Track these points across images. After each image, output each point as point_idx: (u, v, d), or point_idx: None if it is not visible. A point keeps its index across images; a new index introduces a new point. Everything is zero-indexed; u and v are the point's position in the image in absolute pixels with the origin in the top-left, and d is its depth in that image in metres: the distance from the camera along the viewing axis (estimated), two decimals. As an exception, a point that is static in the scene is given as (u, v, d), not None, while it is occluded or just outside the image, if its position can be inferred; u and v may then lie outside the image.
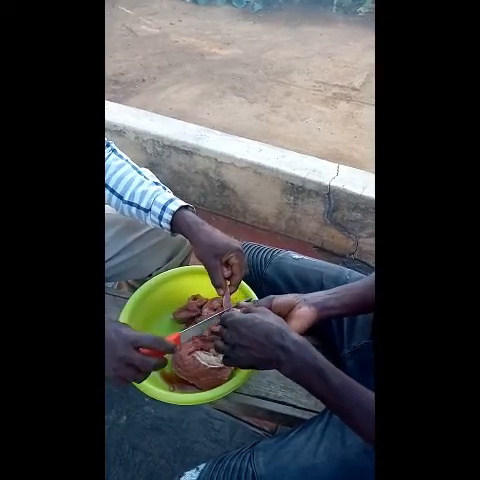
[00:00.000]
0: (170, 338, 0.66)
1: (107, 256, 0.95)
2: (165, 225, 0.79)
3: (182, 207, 0.79)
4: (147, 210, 0.79)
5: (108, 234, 0.93)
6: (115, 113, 1.91)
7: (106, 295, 0.98)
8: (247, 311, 0.66)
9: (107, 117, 1.87)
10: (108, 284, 1.19)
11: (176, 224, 0.78)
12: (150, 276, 1.01)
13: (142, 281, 0.87)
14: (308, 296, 0.71)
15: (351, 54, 3.44)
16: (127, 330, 0.62)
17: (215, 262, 0.75)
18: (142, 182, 0.81)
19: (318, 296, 0.71)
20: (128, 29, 3.75)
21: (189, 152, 1.77)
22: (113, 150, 0.86)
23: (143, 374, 0.61)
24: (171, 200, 0.78)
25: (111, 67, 3.05)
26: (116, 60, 3.18)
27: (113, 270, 0.98)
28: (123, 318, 0.78)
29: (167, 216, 0.77)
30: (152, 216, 0.79)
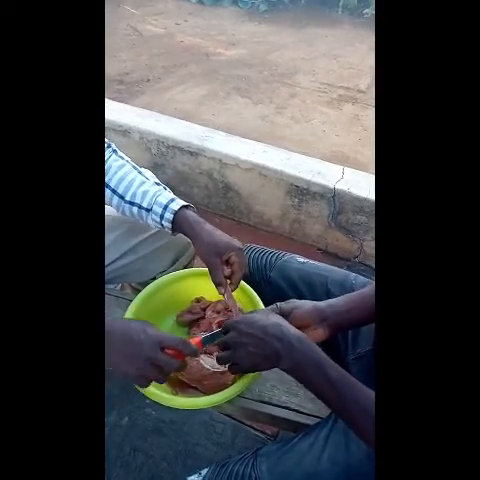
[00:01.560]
0: (193, 341, 0.67)
1: (111, 258, 0.94)
2: (166, 224, 0.79)
3: (183, 206, 0.80)
4: (148, 210, 0.80)
5: (112, 236, 0.92)
6: (120, 113, 1.91)
7: (109, 296, 0.97)
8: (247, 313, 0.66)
9: (112, 117, 1.87)
10: (111, 285, 1.18)
11: (177, 223, 0.79)
12: (154, 279, 1.00)
13: (146, 284, 0.86)
14: (329, 313, 0.69)
15: (357, 56, 3.43)
16: (154, 330, 0.63)
17: (216, 260, 0.76)
18: (143, 182, 0.82)
19: (337, 316, 0.70)
20: (133, 29, 3.76)
21: (194, 153, 1.77)
22: (114, 151, 0.87)
23: (165, 375, 0.62)
24: (172, 200, 0.79)
25: (116, 67, 3.05)
26: (121, 60, 3.18)
27: (117, 272, 0.97)
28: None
29: (168, 215, 0.78)
30: (153, 216, 0.80)
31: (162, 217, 0.79)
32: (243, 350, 0.60)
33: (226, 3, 4.39)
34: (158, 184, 0.84)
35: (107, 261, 0.93)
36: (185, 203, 0.80)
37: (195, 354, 0.64)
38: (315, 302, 0.71)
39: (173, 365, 0.61)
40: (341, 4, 4.24)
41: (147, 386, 0.63)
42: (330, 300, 0.72)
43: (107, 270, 0.94)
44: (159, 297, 0.86)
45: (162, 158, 1.86)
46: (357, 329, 0.82)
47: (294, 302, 0.71)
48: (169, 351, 0.62)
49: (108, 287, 1.05)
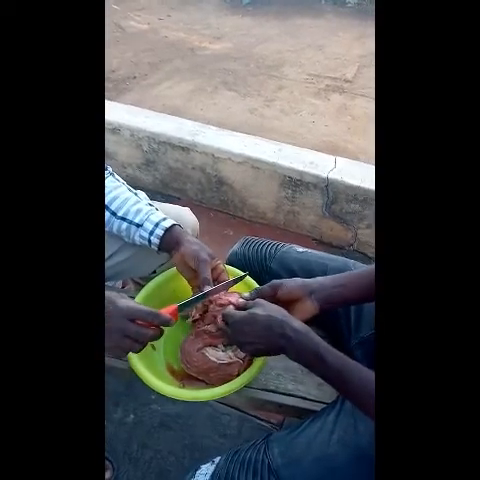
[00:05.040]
0: (167, 310, 0.66)
1: (107, 253, 0.94)
2: (154, 240, 0.83)
3: (174, 225, 0.84)
4: (139, 225, 0.84)
5: (107, 232, 0.92)
6: (109, 111, 1.90)
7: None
8: (243, 308, 0.68)
9: (101, 115, 1.85)
10: (111, 283, 1.18)
11: (166, 239, 0.82)
12: (154, 272, 1.00)
13: (148, 278, 0.87)
14: (315, 287, 0.72)
15: (342, 45, 3.44)
16: (123, 302, 0.62)
17: (207, 257, 0.78)
18: (137, 202, 0.87)
19: (324, 290, 0.72)
20: (116, 25, 3.71)
21: (186, 148, 1.76)
22: (111, 173, 0.91)
23: (140, 344, 0.62)
24: (164, 218, 0.84)
25: (101, 64, 3.02)
26: (106, 57, 3.14)
27: (116, 268, 0.97)
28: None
29: (159, 231, 0.82)
30: (142, 232, 0.84)
31: (152, 233, 0.82)
32: (250, 347, 0.65)
33: (209, -4, 4.36)
34: (151, 205, 0.88)
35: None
36: (176, 222, 0.84)
37: (167, 324, 0.63)
38: (306, 279, 0.73)
39: (145, 335, 0.61)
40: (324, -6, 4.24)
41: (124, 356, 0.63)
42: (321, 277, 0.75)
43: (105, 266, 0.94)
44: (162, 293, 0.86)
45: (154, 155, 1.85)
46: (359, 313, 0.83)
47: (286, 280, 0.73)
48: (141, 322, 0.61)
49: (109, 285, 1.05)
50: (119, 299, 0.62)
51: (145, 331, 0.61)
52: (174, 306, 0.67)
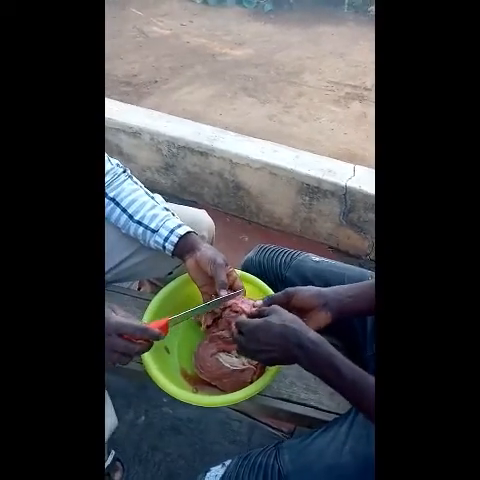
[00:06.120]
0: (157, 325, 0.67)
1: (124, 255, 0.95)
2: (169, 246, 0.84)
3: (188, 232, 0.85)
4: (154, 231, 0.85)
5: (123, 234, 0.94)
6: (130, 114, 1.93)
7: (127, 296, 0.99)
8: (258, 315, 0.68)
9: (122, 118, 1.88)
10: (127, 284, 1.20)
11: (179, 246, 0.84)
12: (170, 274, 1.01)
13: (164, 279, 0.88)
14: (329, 296, 0.72)
15: (363, 54, 3.42)
16: (113, 317, 0.64)
17: (223, 262, 0.79)
18: (154, 206, 0.88)
19: (338, 299, 0.72)
20: (139, 31, 3.78)
21: (204, 153, 1.78)
22: (129, 176, 0.93)
23: (128, 358, 0.64)
24: (179, 225, 0.85)
25: (123, 69, 3.07)
26: (128, 62, 3.20)
27: (132, 269, 0.98)
28: (146, 319, 0.79)
29: (174, 238, 0.83)
30: (157, 237, 0.85)
31: (166, 239, 0.83)
32: (264, 354, 0.64)
33: (230, 3, 4.40)
34: (167, 209, 0.89)
35: (119, 259, 0.95)
36: (191, 229, 0.85)
37: (156, 339, 0.65)
38: (320, 288, 0.73)
39: (133, 350, 0.63)
40: (346, 2, 4.23)
41: (112, 368, 0.65)
42: (336, 286, 0.74)
43: (120, 268, 0.95)
44: (176, 298, 0.87)
45: (173, 159, 1.87)
46: (374, 325, 0.82)
47: (300, 288, 0.73)
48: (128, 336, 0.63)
49: (125, 287, 1.06)
50: (109, 314, 0.64)
51: (132, 346, 0.63)
52: (164, 320, 0.69)
